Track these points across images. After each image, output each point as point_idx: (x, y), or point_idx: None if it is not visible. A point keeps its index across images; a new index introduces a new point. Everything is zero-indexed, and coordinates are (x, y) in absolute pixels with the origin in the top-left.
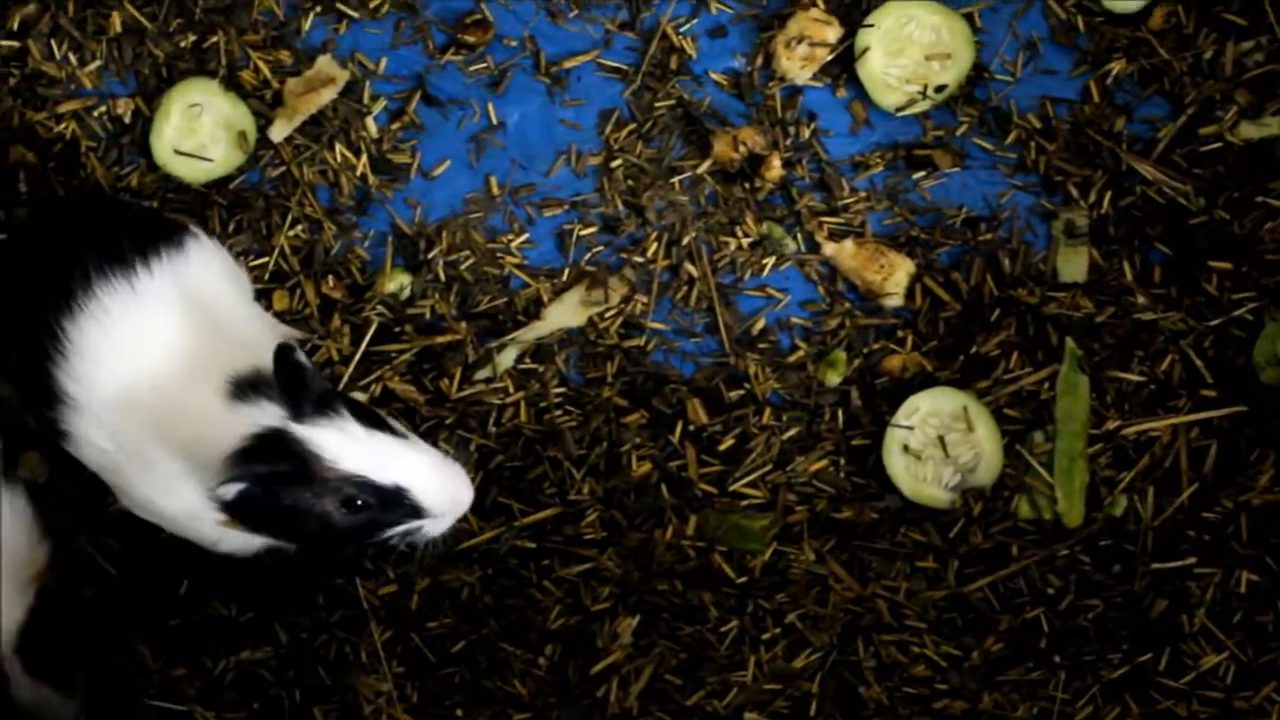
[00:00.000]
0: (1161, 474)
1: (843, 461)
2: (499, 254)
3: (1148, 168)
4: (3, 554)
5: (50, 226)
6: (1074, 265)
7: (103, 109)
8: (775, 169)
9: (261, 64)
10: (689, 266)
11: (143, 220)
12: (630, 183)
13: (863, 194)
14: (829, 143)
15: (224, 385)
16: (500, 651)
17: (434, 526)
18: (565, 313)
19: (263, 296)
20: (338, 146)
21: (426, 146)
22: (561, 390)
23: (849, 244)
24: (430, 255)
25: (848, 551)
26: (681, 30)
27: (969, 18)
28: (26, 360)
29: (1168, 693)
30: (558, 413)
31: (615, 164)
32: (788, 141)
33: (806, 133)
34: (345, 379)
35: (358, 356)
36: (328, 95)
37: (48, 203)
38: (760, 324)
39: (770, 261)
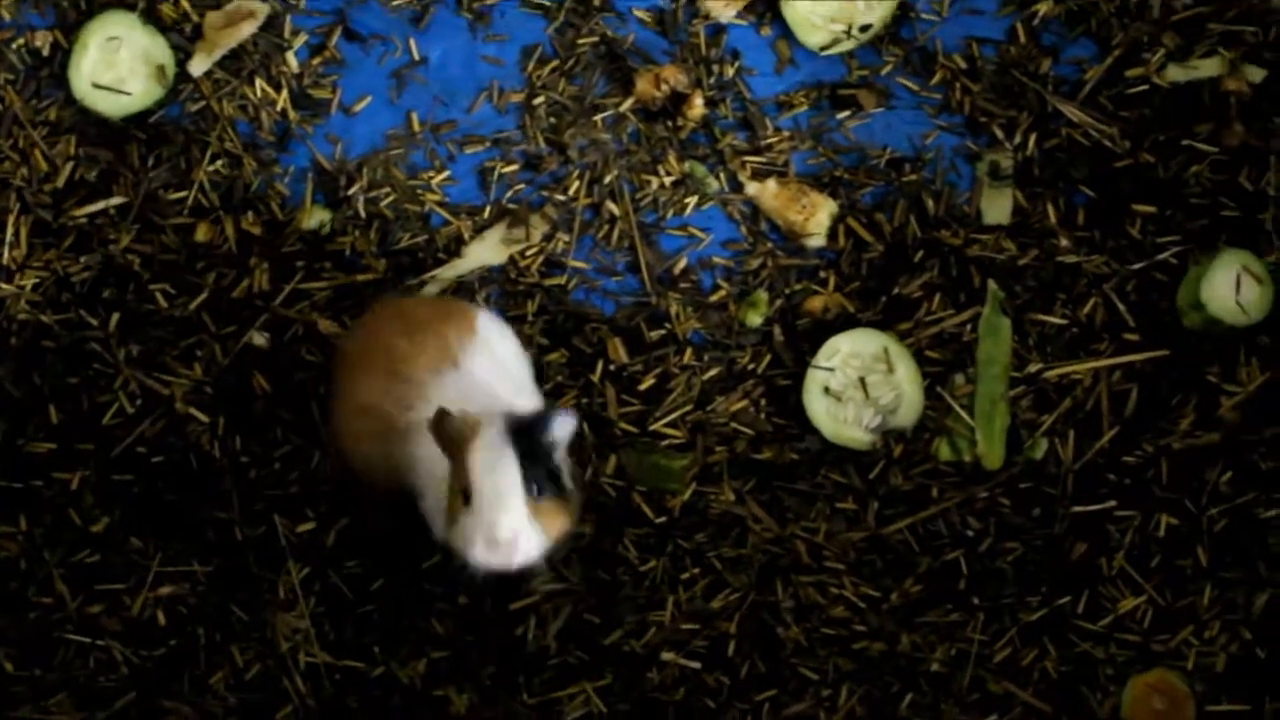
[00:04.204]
0: (1082, 417)
1: (763, 402)
2: (420, 191)
3: (1073, 110)
4: None
5: None
6: (998, 207)
7: (21, 41)
8: (698, 107)
9: None
10: (611, 205)
11: None
12: (552, 120)
13: (786, 133)
14: (753, 81)
15: None
16: (418, 590)
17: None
18: (486, 250)
19: (183, 231)
20: (258, 81)
21: (347, 82)
22: None
23: (772, 183)
24: (351, 192)
25: (767, 492)
26: None
27: None
28: None
29: (1086, 635)
30: None
31: (537, 101)
32: (711, 80)
33: (730, 71)
34: (265, 316)
35: (284, 295)
36: (248, 29)
37: None
38: (682, 263)
39: (693, 201)
